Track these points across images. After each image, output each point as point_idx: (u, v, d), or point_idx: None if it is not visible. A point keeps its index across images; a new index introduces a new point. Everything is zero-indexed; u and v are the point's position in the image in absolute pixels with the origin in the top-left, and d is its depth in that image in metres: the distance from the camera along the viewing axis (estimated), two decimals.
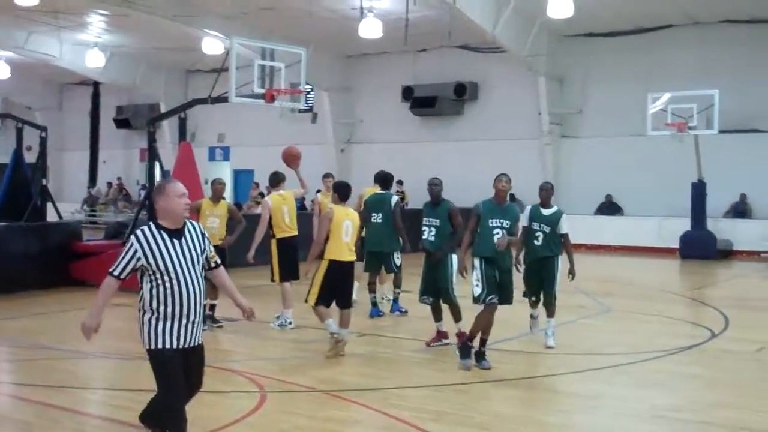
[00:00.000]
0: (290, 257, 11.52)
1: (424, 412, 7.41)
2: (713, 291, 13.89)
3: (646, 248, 23.02)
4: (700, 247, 21.82)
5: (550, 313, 10.25)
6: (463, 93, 27.86)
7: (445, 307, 10.02)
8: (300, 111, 25.16)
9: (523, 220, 9.90)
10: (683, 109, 21.80)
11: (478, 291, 8.95)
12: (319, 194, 14.19)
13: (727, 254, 22.48)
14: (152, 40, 28.48)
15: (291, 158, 12.18)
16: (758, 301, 15.04)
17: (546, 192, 10.33)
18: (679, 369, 9.60)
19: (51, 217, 19.95)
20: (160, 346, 5.56)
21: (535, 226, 10.13)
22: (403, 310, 12.54)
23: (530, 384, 8.71)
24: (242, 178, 33.50)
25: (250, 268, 11.87)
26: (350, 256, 9.55)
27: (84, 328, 5.65)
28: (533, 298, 10.46)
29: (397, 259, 12.35)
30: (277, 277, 11.46)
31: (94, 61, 29.61)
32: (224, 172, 34.18)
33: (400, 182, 27.64)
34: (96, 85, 35.80)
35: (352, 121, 30.65)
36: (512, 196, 26.63)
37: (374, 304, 12.48)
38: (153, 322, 5.60)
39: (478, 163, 26.39)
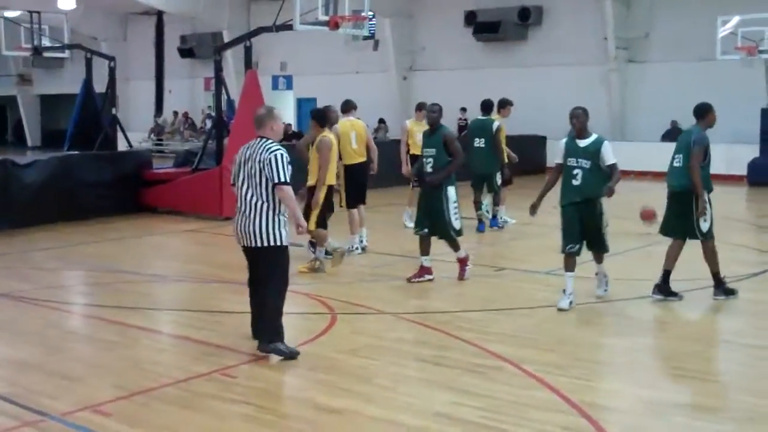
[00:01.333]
0: (358, 183, 11.67)
1: (489, 334, 7.58)
2: None
3: (714, 175, 22.33)
4: None
5: (600, 259, 8.91)
6: (528, 17, 27.39)
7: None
8: (363, 38, 25.06)
9: (557, 157, 8.73)
10: (754, 32, 21.17)
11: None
12: (408, 121, 14.17)
13: None
14: None
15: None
16: None
17: (578, 120, 8.48)
18: (745, 295, 9.58)
19: (121, 146, 20.43)
20: (287, 243, 6.92)
21: (572, 161, 8.48)
22: (500, 225, 13.93)
23: (594, 309, 8.79)
24: (305, 106, 33.63)
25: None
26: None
27: (300, 230, 7.04)
28: (575, 249, 8.56)
29: (498, 179, 13.52)
30: (343, 203, 11.63)
31: None
32: (287, 100, 34.37)
33: (463, 109, 27.54)
34: (159, 14, 35.99)
35: (414, 48, 30.41)
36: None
37: (480, 220, 13.64)
38: (283, 223, 6.87)
39: (543, 89, 26.10)
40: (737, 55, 21.25)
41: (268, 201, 6.77)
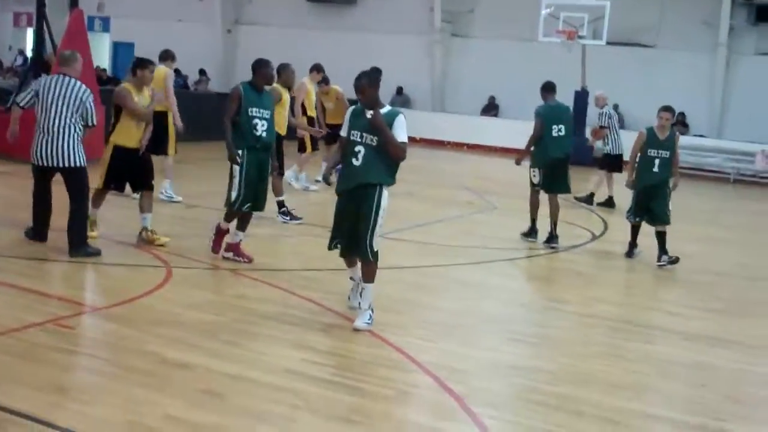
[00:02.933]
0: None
1: (331, 293, 7.63)
2: (599, 194, 14.70)
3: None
4: (578, 154, 22.38)
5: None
6: None
7: None
8: None
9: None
10: (574, 17, 22.21)
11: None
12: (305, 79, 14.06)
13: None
14: None
15: None
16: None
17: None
18: (564, 266, 10.16)
19: None
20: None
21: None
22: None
23: (427, 272, 9.03)
24: (123, 51, 32.28)
25: None
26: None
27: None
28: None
29: None
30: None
31: None
32: (103, 43, 32.84)
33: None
34: None
35: (241, 1, 29.83)
36: (399, 90, 26.89)
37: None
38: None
39: (369, 56, 26.18)
40: (558, 38, 22.22)
41: (77, 129, 8.26)
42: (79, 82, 8.32)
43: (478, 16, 26.43)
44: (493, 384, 5.91)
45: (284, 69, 11.07)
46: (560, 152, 10.82)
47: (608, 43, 22.11)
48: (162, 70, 11.69)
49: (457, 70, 26.84)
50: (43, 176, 8.61)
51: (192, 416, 4.78)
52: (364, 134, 6.58)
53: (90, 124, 8.38)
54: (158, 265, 8.23)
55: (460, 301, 8.00)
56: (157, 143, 11.37)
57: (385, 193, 6.67)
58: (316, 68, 14.24)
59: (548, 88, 11.14)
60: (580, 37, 22.09)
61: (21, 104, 8.51)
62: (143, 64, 9.06)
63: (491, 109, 26.37)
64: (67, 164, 8.26)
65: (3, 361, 5.39)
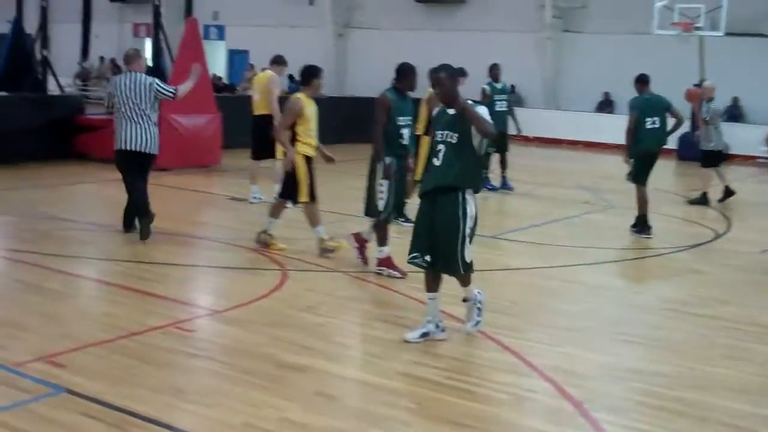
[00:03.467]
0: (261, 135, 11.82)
1: (444, 295, 7.56)
2: (714, 194, 14.09)
3: None
4: (697, 149, 21.86)
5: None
6: None
7: None
8: None
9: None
10: (690, 8, 21.52)
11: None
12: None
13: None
14: None
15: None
16: (758, 206, 15.23)
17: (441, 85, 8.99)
18: (685, 266, 9.82)
19: (52, 88, 19.73)
20: None
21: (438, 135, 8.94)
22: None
23: (543, 274, 8.89)
24: (237, 58, 33.06)
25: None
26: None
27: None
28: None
29: None
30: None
31: None
32: (219, 51, 33.70)
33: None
34: None
35: (352, 5, 30.09)
36: (512, 88, 26.71)
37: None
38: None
39: (479, 54, 26.07)
40: (673, 30, 21.58)
41: (151, 117, 9.28)
42: (143, 75, 9.31)
43: (591, 10, 25.93)
44: (612, 388, 5.74)
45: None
46: (655, 144, 10.82)
47: (727, 33, 21.31)
48: (266, 75, 11.94)
49: (570, 66, 26.38)
50: (128, 159, 9.32)
51: (307, 419, 4.81)
52: (446, 131, 6.16)
53: (171, 96, 9.39)
54: (274, 268, 8.35)
55: (577, 303, 7.83)
56: (263, 147, 11.62)
57: (470, 198, 6.20)
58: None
59: (642, 80, 11.14)
60: (697, 29, 21.37)
61: (107, 107, 9.73)
62: (315, 72, 8.82)
63: (606, 105, 25.80)
64: (145, 150, 9.26)
65: (124, 364, 5.55)
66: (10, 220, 10.64)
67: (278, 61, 12.26)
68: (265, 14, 30.61)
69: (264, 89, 11.79)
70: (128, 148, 9.22)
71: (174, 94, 9.39)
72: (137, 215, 9.31)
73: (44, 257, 8.40)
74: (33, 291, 7.32)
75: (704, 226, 12.05)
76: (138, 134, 9.19)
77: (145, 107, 9.22)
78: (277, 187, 11.94)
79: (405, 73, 8.16)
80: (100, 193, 13.11)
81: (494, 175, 14.47)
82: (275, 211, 9.14)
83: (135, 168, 9.38)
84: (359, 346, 6.18)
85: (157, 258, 8.62)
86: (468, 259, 6.25)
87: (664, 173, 16.59)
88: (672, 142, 22.47)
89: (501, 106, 13.99)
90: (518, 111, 15.00)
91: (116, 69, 34.87)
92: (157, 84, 9.33)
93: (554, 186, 15.95)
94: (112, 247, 9.39)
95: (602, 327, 7.21)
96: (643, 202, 10.84)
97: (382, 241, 8.29)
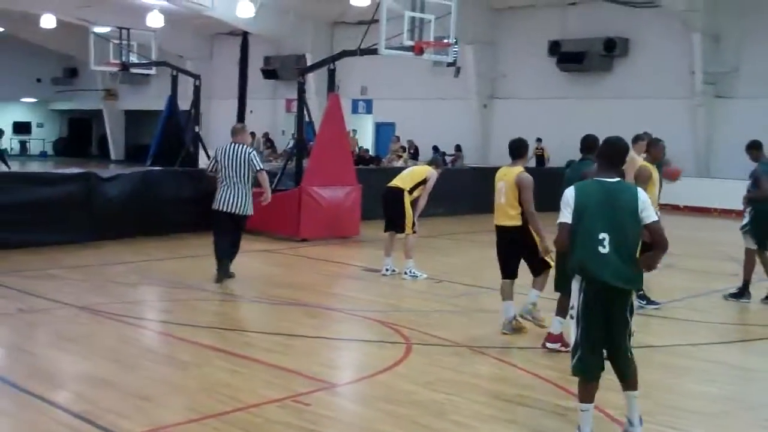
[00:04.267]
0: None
1: (568, 372, 7.28)
2: None
3: None
4: None
5: None
6: (613, 49, 26.91)
7: None
8: (447, 65, 24.95)
9: None
10: None
11: None
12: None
13: None
14: None
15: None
16: None
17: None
18: None
19: (202, 163, 20.59)
20: None
21: None
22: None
23: (678, 351, 8.43)
24: (384, 131, 33.68)
25: None
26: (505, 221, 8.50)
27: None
28: None
29: None
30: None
31: (244, 12, 30.17)
32: (367, 124, 34.44)
33: (538, 140, 27.16)
34: (245, 35, 36.40)
35: (496, 75, 30.19)
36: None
37: None
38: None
39: (627, 121, 25.57)
40: None
41: (248, 183, 10.82)
42: (245, 146, 10.91)
43: (743, 75, 25.00)
44: None
45: (656, 143, 10.08)
46: None
47: None
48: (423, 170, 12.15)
49: (722, 132, 25.42)
50: (222, 219, 10.97)
51: None
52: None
53: (257, 169, 10.92)
54: (399, 341, 8.27)
55: (714, 385, 7.35)
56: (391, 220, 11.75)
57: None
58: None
59: (756, 146, 11.18)
60: None
61: (209, 170, 11.23)
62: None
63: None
64: (240, 212, 10.90)
65: None
66: (152, 290, 11.06)
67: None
68: (411, 88, 31.11)
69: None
70: (225, 209, 10.83)
71: (261, 168, 11.01)
72: (220, 258, 11.04)
73: (177, 327, 8.63)
74: (160, 360, 7.52)
75: None
76: (234, 198, 10.80)
77: (242, 174, 10.75)
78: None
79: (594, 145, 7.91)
80: (241, 264, 13.36)
81: None
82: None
83: (230, 227, 10.96)
84: (476, 425, 5.97)
85: (284, 329, 8.70)
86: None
87: None
88: None
89: None
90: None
91: (269, 143, 36.25)
92: (254, 156, 10.87)
93: (702, 257, 15.26)
94: (242, 318, 9.58)
95: (742, 412, 6.73)
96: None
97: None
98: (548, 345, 8.07)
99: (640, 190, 5.62)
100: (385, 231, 12.00)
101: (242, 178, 10.79)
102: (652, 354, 8.20)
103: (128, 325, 8.76)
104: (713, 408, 6.68)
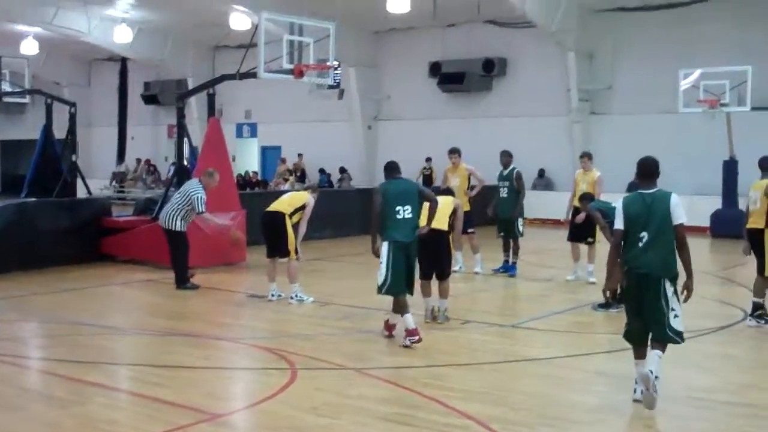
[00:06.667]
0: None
1: (455, 390, 7.38)
2: (745, 270, 13.71)
3: None
4: (731, 226, 21.50)
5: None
6: (492, 69, 27.51)
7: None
8: (328, 87, 25.01)
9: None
10: (715, 85, 21.46)
11: None
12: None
13: None
14: (179, 16, 28.50)
15: None
16: None
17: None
18: (712, 349, 9.49)
19: (81, 193, 20.07)
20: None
21: None
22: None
23: (561, 363, 8.63)
24: (269, 154, 33.53)
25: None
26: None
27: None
28: None
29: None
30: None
31: (121, 37, 29.56)
32: (252, 148, 34.20)
33: (428, 159, 27.55)
34: (124, 61, 35.79)
35: (379, 97, 30.47)
36: (541, 172, 26.56)
37: None
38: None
39: (507, 139, 26.14)
40: (699, 107, 21.48)
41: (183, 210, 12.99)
42: (196, 182, 12.97)
43: (616, 92, 25.94)
44: None
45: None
46: None
47: (753, 108, 21.14)
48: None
49: (598, 147, 26.25)
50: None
51: None
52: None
53: (198, 212, 12.77)
54: (284, 367, 8.20)
55: (595, 395, 7.55)
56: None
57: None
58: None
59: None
60: (723, 105, 21.24)
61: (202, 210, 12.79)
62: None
63: (634, 186, 25.56)
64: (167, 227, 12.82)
65: None
66: (26, 326, 10.68)
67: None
68: (295, 111, 31.07)
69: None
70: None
71: (201, 212, 12.76)
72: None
73: (57, 364, 8.36)
74: (41, 400, 7.26)
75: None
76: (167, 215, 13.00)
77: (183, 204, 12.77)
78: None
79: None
80: (122, 295, 13.16)
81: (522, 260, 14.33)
82: None
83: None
84: None
85: (168, 361, 8.53)
86: (680, 329, 7.15)
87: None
88: (705, 219, 22.43)
89: (503, 192, 14.68)
90: (547, 195, 14.98)
91: (152, 170, 35.60)
92: (198, 196, 12.64)
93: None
94: (124, 351, 9.35)
95: (616, 420, 6.93)
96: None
97: None
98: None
99: (673, 195, 7.05)
100: (268, 257, 11.90)
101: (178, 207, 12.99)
102: (533, 367, 8.38)
103: (4, 364, 8.41)
104: (587, 417, 6.85)
